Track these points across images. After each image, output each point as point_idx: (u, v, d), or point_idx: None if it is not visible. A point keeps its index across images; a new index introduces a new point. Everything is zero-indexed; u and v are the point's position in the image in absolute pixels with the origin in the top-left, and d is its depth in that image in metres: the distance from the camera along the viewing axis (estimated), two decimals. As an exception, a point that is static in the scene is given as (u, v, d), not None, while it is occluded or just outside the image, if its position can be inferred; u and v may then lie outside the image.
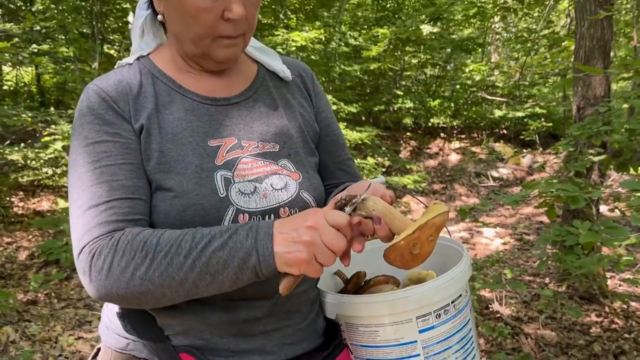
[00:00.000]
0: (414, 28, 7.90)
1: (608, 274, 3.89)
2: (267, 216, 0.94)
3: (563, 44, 7.21)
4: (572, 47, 4.36)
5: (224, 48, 0.94)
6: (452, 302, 0.95)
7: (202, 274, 0.80)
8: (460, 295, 0.98)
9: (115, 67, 1.01)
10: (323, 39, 7.22)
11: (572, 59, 4.71)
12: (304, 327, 1.02)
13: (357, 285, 1.16)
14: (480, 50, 10.39)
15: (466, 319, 0.99)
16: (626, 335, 3.21)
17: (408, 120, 9.58)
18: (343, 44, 8.29)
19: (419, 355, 0.94)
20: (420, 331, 0.94)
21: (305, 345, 1.01)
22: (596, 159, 3.05)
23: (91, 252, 0.82)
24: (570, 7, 7.55)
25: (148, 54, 1.02)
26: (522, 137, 5.69)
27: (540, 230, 6.09)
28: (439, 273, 1.01)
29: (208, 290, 0.82)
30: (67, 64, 7.02)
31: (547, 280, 4.27)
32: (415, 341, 0.94)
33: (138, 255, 0.80)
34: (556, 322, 3.43)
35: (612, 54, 3.74)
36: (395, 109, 9.18)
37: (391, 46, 8.27)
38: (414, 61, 9.57)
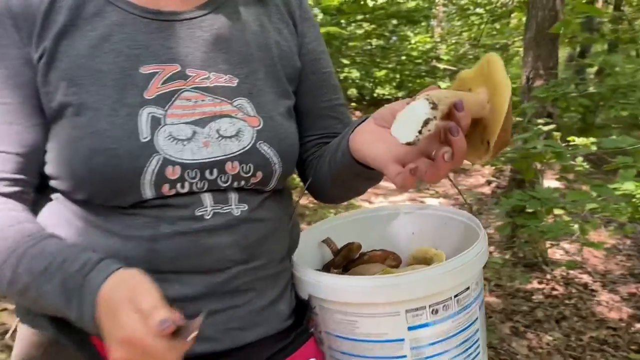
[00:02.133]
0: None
1: (548, 242, 3.99)
2: (207, 171, 0.74)
3: (512, 15, 7.31)
4: (523, 19, 4.37)
5: None
6: (455, 295, 0.78)
7: (25, 299, 0.72)
8: (468, 288, 0.80)
9: None
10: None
11: (521, 30, 4.74)
12: (259, 308, 0.81)
13: (346, 258, 1.01)
14: (425, 23, 10.41)
15: (473, 318, 0.82)
16: (566, 302, 3.30)
17: (353, 91, 9.54)
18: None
19: (405, 357, 0.78)
20: (410, 328, 0.77)
21: (260, 330, 0.81)
22: (545, 128, 3.08)
23: None
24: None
25: None
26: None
27: (481, 201, 6.22)
28: (450, 255, 0.84)
29: (52, 311, 0.71)
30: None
31: (492, 248, 4.35)
32: (402, 339, 0.77)
33: None
34: (501, 289, 3.49)
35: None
36: (341, 78, 9.09)
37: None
38: (359, 32, 9.47)
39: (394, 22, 9.46)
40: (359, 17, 8.68)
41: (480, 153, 0.68)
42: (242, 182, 0.78)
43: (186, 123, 0.74)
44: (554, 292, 3.44)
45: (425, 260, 0.96)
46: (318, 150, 0.94)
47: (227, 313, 0.78)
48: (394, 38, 10.32)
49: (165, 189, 0.73)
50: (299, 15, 0.91)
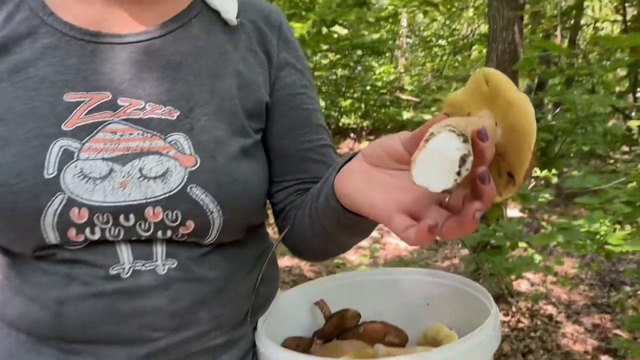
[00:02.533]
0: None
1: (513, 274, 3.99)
2: (122, 217, 0.63)
3: (473, 47, 7.49)
4: (484, 52, 4.45)
5: None
6: None
7: None
8: None
9: None
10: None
11: (481, 63, 4.83)
12: None
13: (338, 327, 0.84)
14: (388, 54, 10.59)
15: None
16: (532, 334, 3.28)
17: (319, 120, 9.58)
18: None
19: None
20: None
21: None
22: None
23: None
24: (474, 16, 7.87)
25: None
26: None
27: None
28: (462, 334, 0.66)
29: None
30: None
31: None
32: None
33: None
34: (468, 322, 3.45)
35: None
36: (307, 107, 9.11)
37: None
38: (325, 62, 9.55)
39: (359, 52, 9.58)
40: (324, 47, 8.75)
41: (499, 188, 0.55)
42: (169, 233, 0.66)
43: (104, 159, 0.64)
44: (520, 325, 3.41)
45: (435, 342, 0.80)
46: (298, 199, 0.82)
47: None
48: (359, 68, 10.46)
49: (72, 233, 0.63)
50: (276, 45, 0.80)
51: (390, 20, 8.41)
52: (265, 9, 0.82)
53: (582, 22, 8.47)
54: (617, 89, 8.44)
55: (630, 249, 1.49)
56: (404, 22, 10.93)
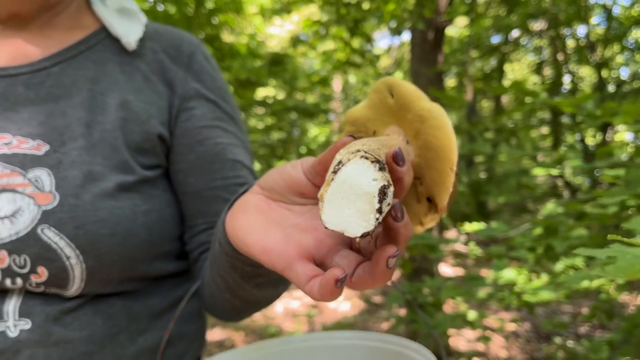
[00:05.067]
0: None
1: (450, 332, 3.92)
2: None
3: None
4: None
5: None
6: None
7: None
8: None
9: None
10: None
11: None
12: None
13: None
14: (323, 115, 10.81)
15: None
16: (472, 394, 3.19)
17: (255, 183, 9.54)
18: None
19: None
20: None
21: None
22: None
23: None
24: (405, 76, 8.19)
25: None
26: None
27: (387, 293, 6.15)
28: None
29: None
30: None
31: (395, 342, 4.20)
32: None
33: None
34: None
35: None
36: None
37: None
38: (260, 126, 9.60)
39: (293, 116, 9.75)
40: (260, 112, 8.83)
41: (420, 216, 0.47)
42: (19, 281, 0.58)
43: None
44: (460, 385, 3.31)
45: None
46: (198, 244, 0.73)
47: None
48: (297, 132, 10.58)
49: None
50: (182, 75, 0.75)
51: (322, 84, 8.63)
52: (177, 38, 0.78)
53: (504, 83, 8.98)
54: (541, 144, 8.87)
55: (546, 298, 1.45)
56: (338, 85, 11.27)
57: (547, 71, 8.25)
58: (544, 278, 1.51)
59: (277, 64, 5.82)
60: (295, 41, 6.17)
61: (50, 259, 0.58)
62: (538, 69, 8.04)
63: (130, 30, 0.74)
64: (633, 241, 0.43)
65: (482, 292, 1.63)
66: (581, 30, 6.57)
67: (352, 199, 0.36)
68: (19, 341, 0.58)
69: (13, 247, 0.58)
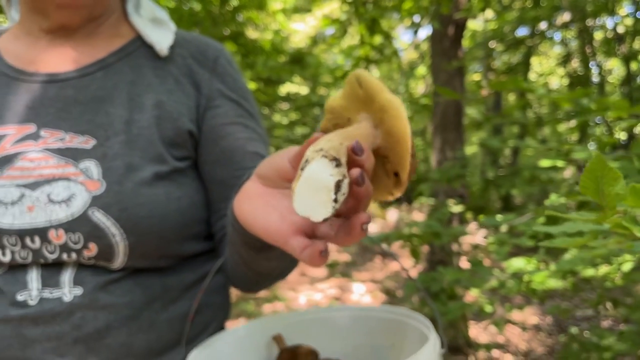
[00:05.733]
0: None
1: (471, 323, 3.96)
2: (27, 239, 0.69)
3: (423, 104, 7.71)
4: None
5: None
6: None
7: None
8: None
9: None
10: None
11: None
12: None
13: None
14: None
15: None
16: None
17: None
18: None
19: None
20: None
21: None
22: (455, 208, 3.13)
23: None
24: (427, 73, 8.19)
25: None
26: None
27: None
28: None
29: None
30: None
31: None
32: None
33: None
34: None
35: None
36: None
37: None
38: (284, 122, 9.68)
39: (317, 111, 9.78)
40: (285, 107, 8.90)
41: (390, 188, 0.56)
42: (74, 255, 0.70)
43: (18, 186, 0.70)
44: (478, 376, 3.35)
45: None
46: (224, 227, 0.82)
47: None
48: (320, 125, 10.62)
49: None
50: (208, 78, 0.85)
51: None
52: (203, 44, 0.88)
53: (531, 77, 8.88)
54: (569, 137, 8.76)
55: (552, 286, 1.50)
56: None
57: (575, 64, 8.14)
58: (553, 267, 1.56)
59: (297, 62, 5.90)
60: (315, 40, 6.24)
61: (99, 236, 0.69)
62: (565, 61, 7.94)
63: (162, 38, 0.84)
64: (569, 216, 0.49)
65: (492, 282, 1.69)
66: (609, 22, 6.47)
67: (315, 191, 0.45)
68: (72, 305, 0.69)
69: (69, 226, 0.69)
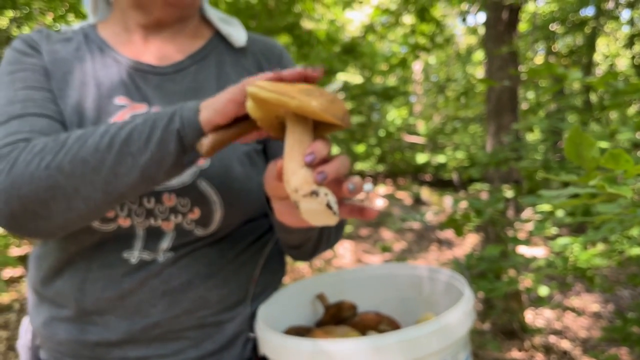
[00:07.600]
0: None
1: (528, 309, 3.94)
2: (145, 198, 0.81)
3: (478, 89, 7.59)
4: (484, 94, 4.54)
5: None
6: None
7: (121, 155, 0.67)
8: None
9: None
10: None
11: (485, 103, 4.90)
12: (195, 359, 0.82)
13: (335, 317, 0.92)
14: (402, 98, 10.78)
15: None
16: (547, 370, 3.22)
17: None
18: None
19: None
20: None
21: None
22: (508, 193, 3.13)
23: None
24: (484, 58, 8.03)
25: (95, 24, 0.97)
26: (442, 179, 5.85)
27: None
28: None
29: (128, 181, 0.68)
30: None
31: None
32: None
33: (49, 147, 0.70)
34: (480, 358, 3.40)
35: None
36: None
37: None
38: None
39: (371, 100, 9.76)
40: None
41: (340, 127, 0.64)
42: (179, 218, 0.81)
43: None
44: (534, 361, 3.35)
45: None
46: None
47: None
48: (377, 116, 10.62)
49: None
50: (274, 69, 0.96)
51: (402, 66, 8.65)
52: (268, 43, 1.02)
53: (596, 59, 8.53)
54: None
55: (598, 264, 1.51)
56: (418, 67, 11.15)
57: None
58: (600, 246, 1.57)
59: (350, 52, 5.96)
60: (372, 27, 6.27)
61: (203, 202, 0.81)
62: (630, 42, 7.59)
63: (236, 32, 0.98)
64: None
65: (540, 261, 1.72)
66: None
67: (317, 215, 0.56)
68: (164, 265, 0.81)
69: (180, 192, 0.81)
